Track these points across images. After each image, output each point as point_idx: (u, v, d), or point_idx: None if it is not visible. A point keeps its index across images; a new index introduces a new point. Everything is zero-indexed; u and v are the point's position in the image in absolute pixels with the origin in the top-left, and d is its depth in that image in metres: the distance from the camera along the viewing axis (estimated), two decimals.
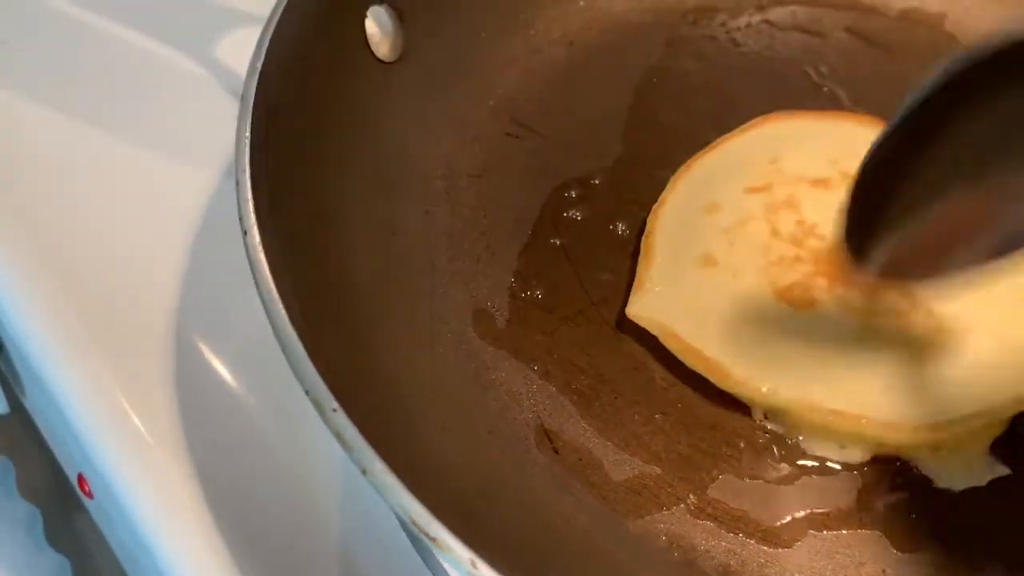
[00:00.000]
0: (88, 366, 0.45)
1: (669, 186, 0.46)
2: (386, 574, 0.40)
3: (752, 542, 0.37)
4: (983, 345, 0.39)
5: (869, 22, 0.55)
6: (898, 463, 0.39)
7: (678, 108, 0.51)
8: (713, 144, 0.47)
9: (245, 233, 0.33)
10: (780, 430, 0.40)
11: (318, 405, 0.29)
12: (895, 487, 0.38)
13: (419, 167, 0.46)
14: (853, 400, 0.38)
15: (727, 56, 0.53)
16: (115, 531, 0.49)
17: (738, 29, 0.54)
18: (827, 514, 0.38)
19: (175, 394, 0.44)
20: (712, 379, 0.40)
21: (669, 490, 0.38)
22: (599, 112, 0.50)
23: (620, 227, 0.46)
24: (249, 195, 0.34)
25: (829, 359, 0.39)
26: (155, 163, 0.52)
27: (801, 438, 0.39)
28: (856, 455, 0.39)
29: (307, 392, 0.29)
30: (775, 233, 0.42)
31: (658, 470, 0.39)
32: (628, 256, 0.45)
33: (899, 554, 0.37)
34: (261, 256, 0.32)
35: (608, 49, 0.53)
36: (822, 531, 0.38)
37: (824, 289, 0.41)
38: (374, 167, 0.44)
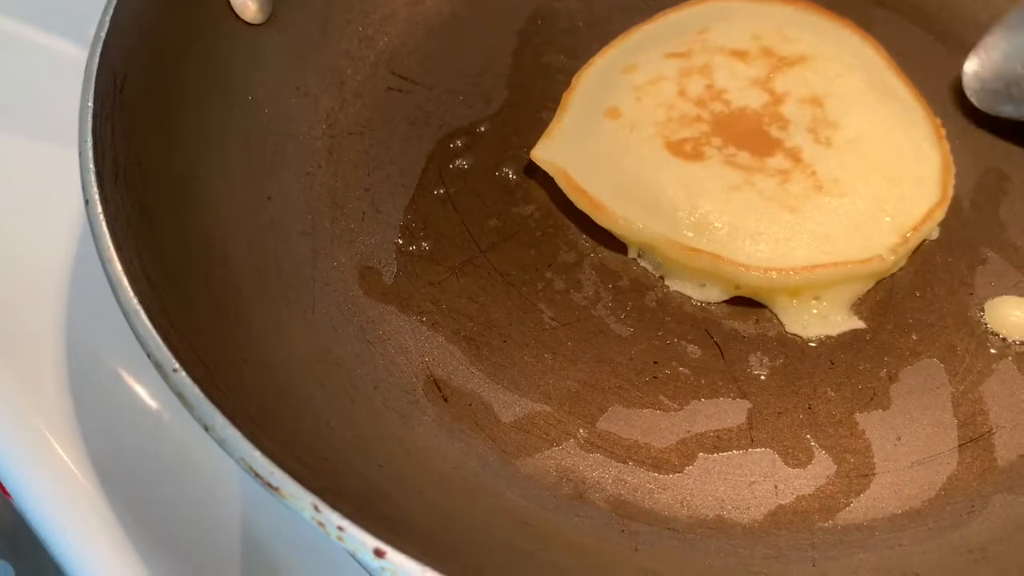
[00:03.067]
0: None
1: (601, 52, 0.48)
2: (288, 550, 0.40)
3: (643, 470, 0.37)
4: (851, 207, 0.41)
5: None
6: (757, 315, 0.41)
7: (563, 49, 0.50)
8: (654, 17, 0.49)
9: (87, 202, 0.32)
10: (650, 268, 0.42)
11: (159, 367, 0.28)
12: (749, 333, 0.40)
13: (296, 129, 0.45)
14: (714, 241, 0.40)
15: None
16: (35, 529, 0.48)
17: None
18: (717, 436, 0.38)
19: (71, 390, 0.44)
20: (595, 217, 0.42)
21: (559, 426, 0.38)
22: (483, 59, 0.50)
23: (507, 172, 0.46)
24: (91, 165, 0.33)
25: (702, 205, 0.41)
26: (42, 152, 0.51)
27: (665, 277, 0.42)
28: (714, 294, 0.41)
29: (149, 355, 0.29)
30: (682, 94, 0.44)
31: (548, 408, 0.38)
32: (516, 201, 0.45)
33: (789, 469, 0.37)
34: (102, 223, 0.31)
35: None
36: (713, 453, 0.38)
37: (716, 147, 0.42)
38: (245, 132, 0.43)
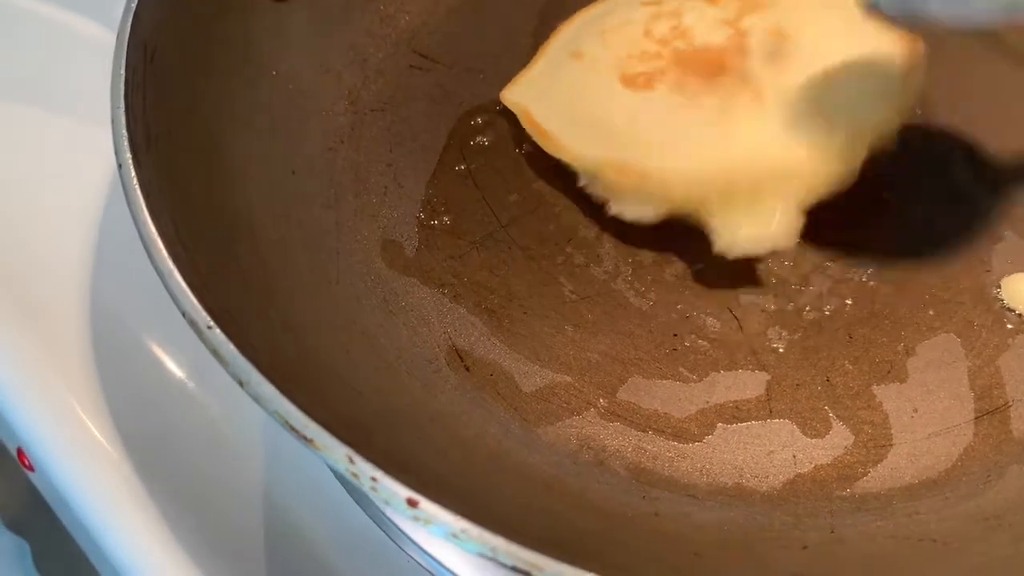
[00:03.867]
0: (9, 339, 0.45)
1: (587, 7, 0.48)
2: (311, 517, 0.41)
3: (662, 439, 0.38)
4: (795, 119, 0.40)
5: None
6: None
7: None
8: None
9: (120, 166, 0.33)
10: (596, 194, 0.42)
11: (194, 324, 0.29)
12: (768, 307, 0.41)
13: (319, 104, 0.46)
14: (644, 156, 0.40)
15: None
16: (58, 503, 0.49)
17: None
18: (736, 407, 0.39)
19: (96, 361, 0.44)
20: (545, 147, 0.43)
21: (579, 396, 0.38)
22: (504, 38, 0.50)
23: (527, 148, 0.46)
24: (124, 130, 0.34)
25: (643, 126, 0.41)
26: (67, 129, 0.52)
27: (610, 201, 0.42)
28: (650, 211, 0.41)
29: (184, 314, 0.29)
30: (647, 34, 0.44)
31: (568, 378, 0.39)
32: (535, 176, 0.45)
33: (807, 439, 0.38)
34: (135, 186, 0.32)
35: None
36: (732, 423, 0.38)
37: (669, 78, 0.43)
38: (270, 106, 0.43)
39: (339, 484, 0.41)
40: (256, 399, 0.28)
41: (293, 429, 0.27)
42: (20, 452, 0.47)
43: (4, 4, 0.56)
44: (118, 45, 0.36)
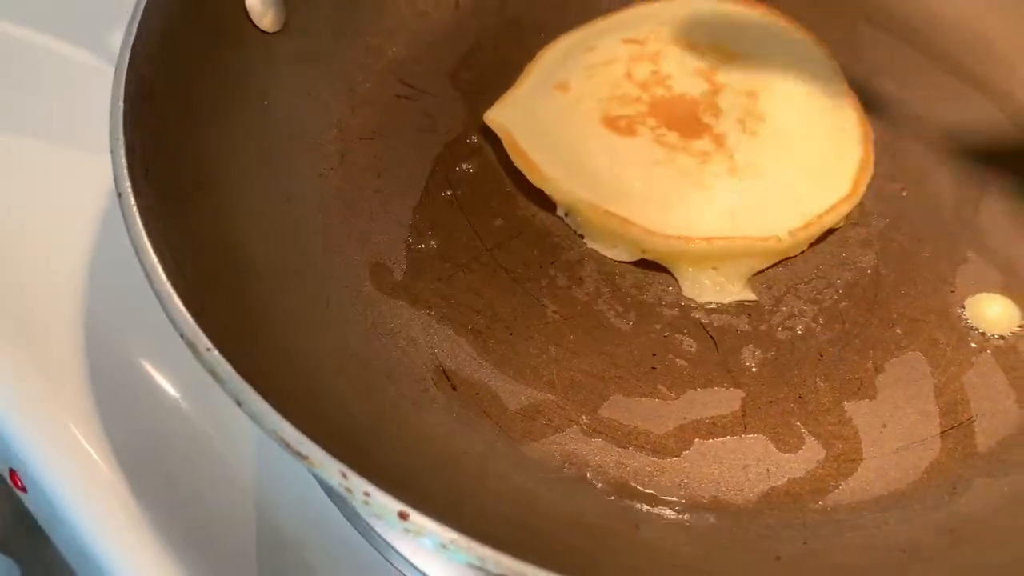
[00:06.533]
0: (4, 360, 0.46)
1: (569, 32, 0.51)
2: (302, 532, 0.42)
3: (642, 454, 0.39)
4: (759, 190, 0.44)
5: None
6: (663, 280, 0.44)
7: None
8: (624, 8, 0.52)
9: (120, 195, 0.34)
10: (573, 226, 0.46)
11: (192, 347, 0.30)
12: (742, 328, 0.43)
13: (310, 134, 0.47)
14: (625, 206, 0.44)
15: None
16: (50, 524, 0.49)
17: None
18: (713, 423, 0.40)
19: (92, 382, 0.45)
20: (528, 176, 0.46)
21: (562, 414, 0.40)
22: (488, 68, 0.52)
23: (512, 176, 0.48)
24: (123, 161, 0.35)
25: (626, 175, 0.44)
26: (62, 156, 0.53)
27: (584, 236, 0.45)
28: (624, 254, 0.44)
29: (182, 336, 0.31)
30: (628, 76, 0.48)
31: (552, 396, 0.40)
32: (520, 204, 0.47)
33: (781, 454, 0.39)
34: (135, 213, 0.33)
35: None
36: (709, 439, 0.40)
37: (649, 126, 0.46)
38: (262, 135, 0.45)
39: (329, 500, 0.42)
40: (253, 417, 0.29)
41: (288, 446, 0.28)
42: (13, 473, 0.48)
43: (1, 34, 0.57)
44: (116, 79, 0.38)
